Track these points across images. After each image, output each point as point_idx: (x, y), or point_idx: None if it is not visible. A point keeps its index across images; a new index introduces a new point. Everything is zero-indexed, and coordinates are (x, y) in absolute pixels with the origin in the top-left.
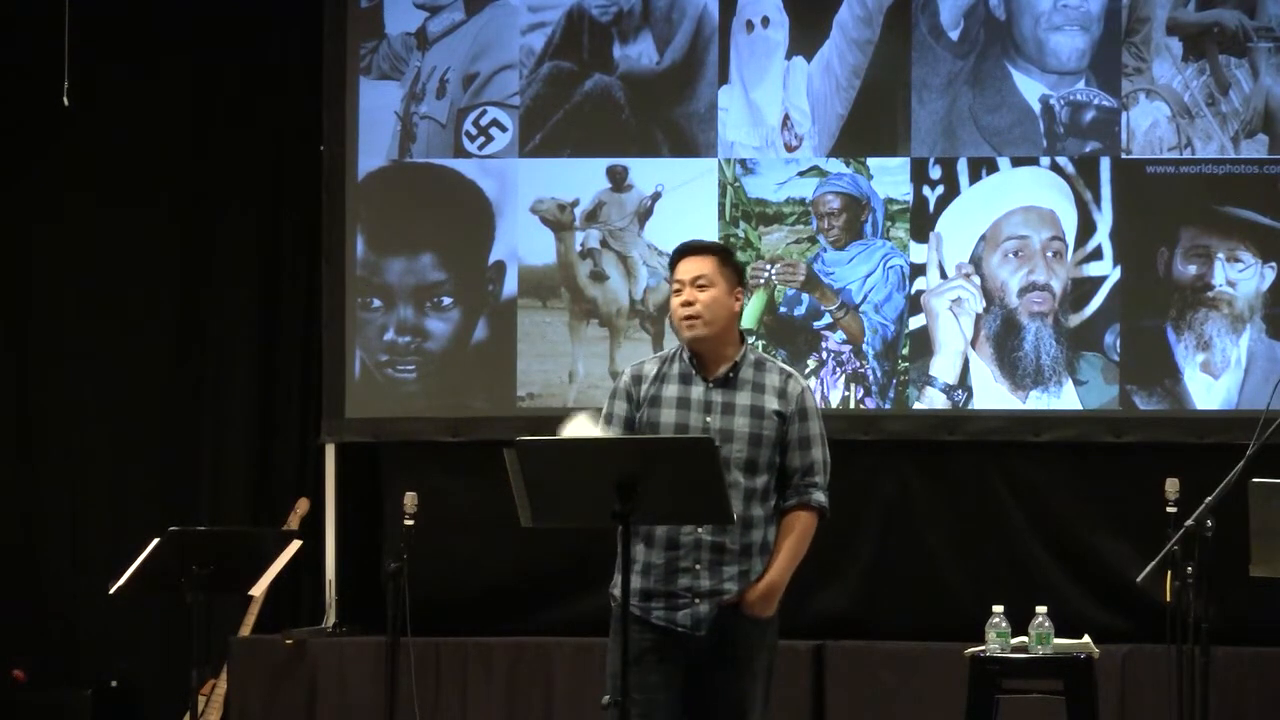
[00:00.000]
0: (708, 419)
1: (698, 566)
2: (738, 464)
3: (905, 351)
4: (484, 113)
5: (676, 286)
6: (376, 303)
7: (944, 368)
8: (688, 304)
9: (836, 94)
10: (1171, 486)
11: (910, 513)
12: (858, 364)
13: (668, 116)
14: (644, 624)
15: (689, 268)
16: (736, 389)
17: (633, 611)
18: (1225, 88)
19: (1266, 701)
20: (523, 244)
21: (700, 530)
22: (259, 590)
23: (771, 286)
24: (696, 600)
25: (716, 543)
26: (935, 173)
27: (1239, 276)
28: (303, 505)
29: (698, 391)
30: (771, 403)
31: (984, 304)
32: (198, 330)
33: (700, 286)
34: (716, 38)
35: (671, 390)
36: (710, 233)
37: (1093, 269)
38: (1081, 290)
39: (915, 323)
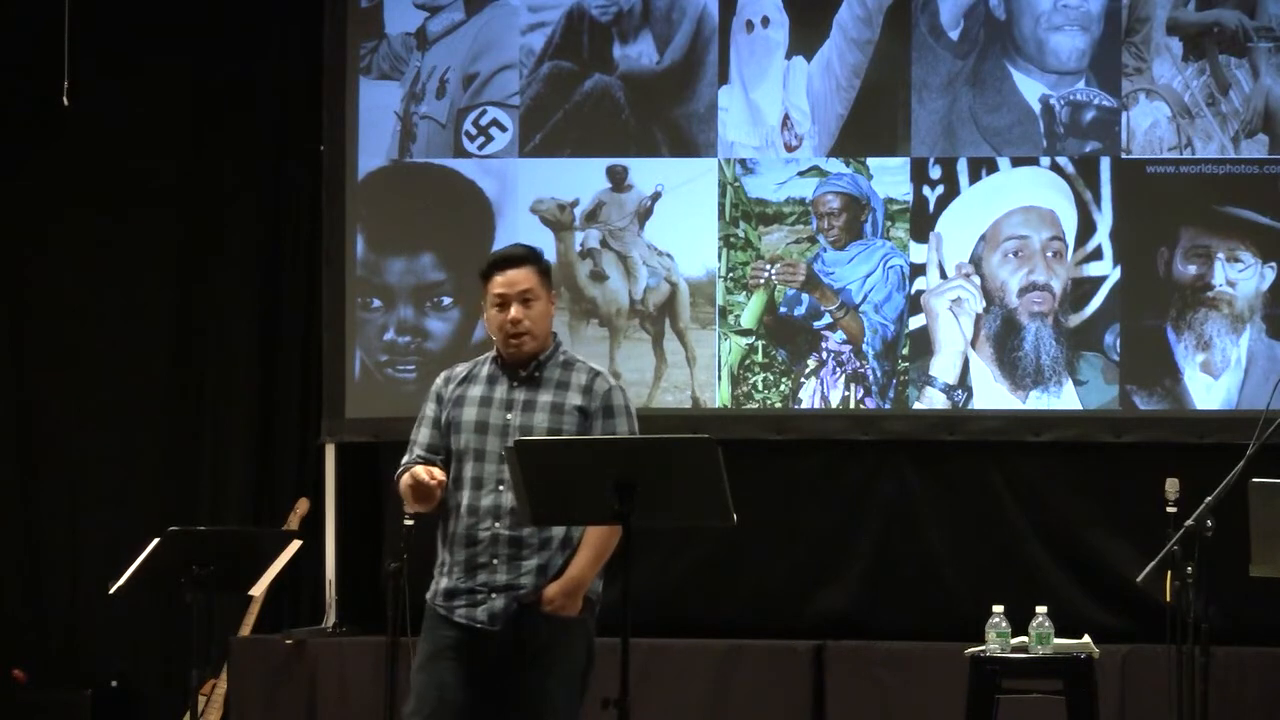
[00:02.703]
0: (508, 416)
1: (495, 561)
2: None
3: (905, 351)
4: (484, 113)
5: (499, 300)
6: (376, 303)
7: (944, 368)
8: (517, 321)
9: (836, 94)
10: (1171, 486)
11: (910, 513)
12: (858, 364)
13: (668, 116)
14: (448, 623)
15: (515, 281)
16: (540, 387)
17: (437, 610)
18: (1225, 88)
19: (1266, 701)
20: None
21: (498, 525)
22: (259, 590)
23: (771, 286)
24: (493, 595)
25: (514, 537)
26: (935, 173)
27: (1239, 276)
28: (303, 505)
29: (501, 390)
30: (574, 399)
31: (984, 304)
32: (198, 330)
33: (527, 301)
34: (716, 38)
35: (476, 390)
36: (711, 232)
37: (1093, 269)
38: (1081, 290)
39: (915, 323)
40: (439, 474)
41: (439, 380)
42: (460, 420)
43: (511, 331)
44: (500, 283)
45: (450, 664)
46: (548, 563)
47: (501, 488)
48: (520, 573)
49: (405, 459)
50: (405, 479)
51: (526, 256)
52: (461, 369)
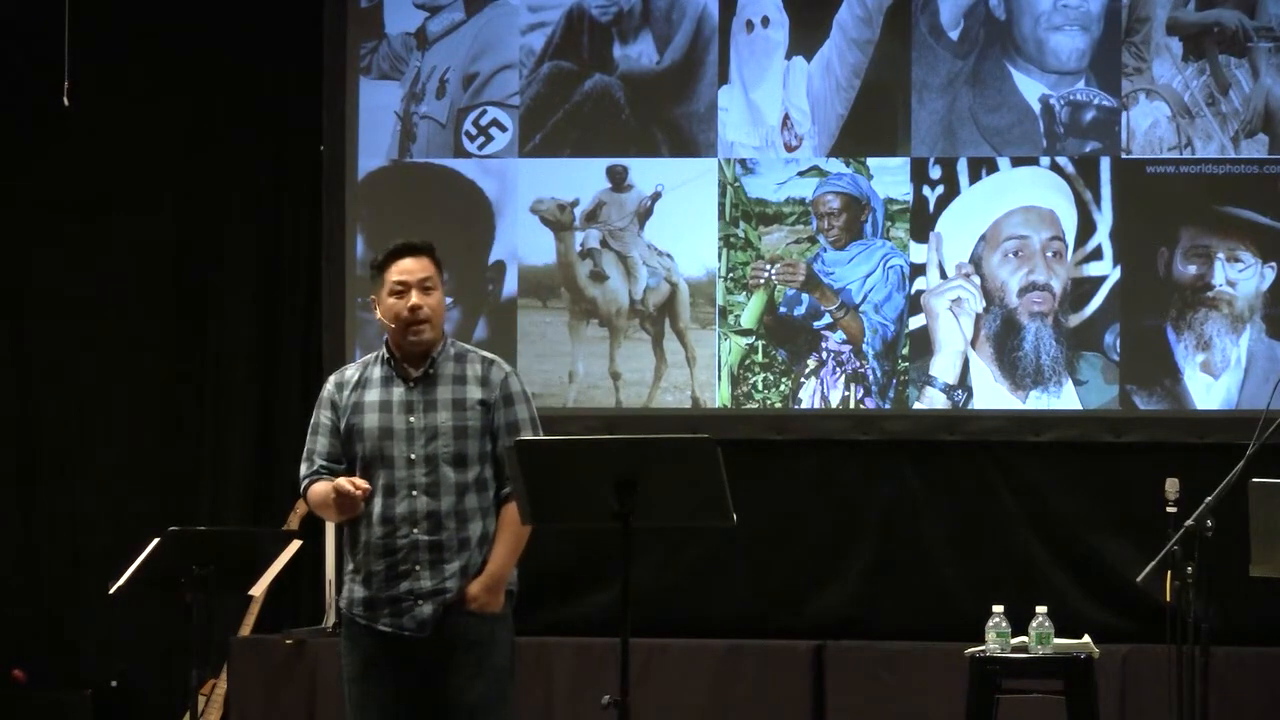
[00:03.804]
0: (410, 419)
1: (418, 568)
2: (445, 459)
3: (905, 351)
4: (484, 112)
5: (400, 288)
6: None
7: (944, 368)
8: (417, 308)
9: (836, 94)
10: (1171, 486)
11: (910, 513)
12: (858, 364)
13: (668, 116)
14: (371, 632)
15: (414, 269)
16: (437, 384)
17: (358, 621)
18: (1225, 88)
19: (1266, 701)
20: (523, 244)
21: (416, 531)
22: (259, 590)
23: (771, 286)
24: (420, 602)
25: (434, 541)
26: (935, 173)
27: (1239, 276)
28: (302, 505)
29: (398, 393)
30: (474, 392)
31: (984, 304)
32: (198, 331)
33: (427, 289)
34: (716, 38)
35: (373, 395)
36: (711, 233)
37: (1093, 269)
38: (1081, 290)
39: (915, 323)
40: (363, 483)
41: (329, 386)
42: (362, 427)
43: (411, 319)
44: (399, 270)
45: (384, 674)
46: (469, 563)
47: (415, 493)
48: (444, 577)
49: (305, 469)
50: (323, 489)
51: (425, 247)
52: (352, 372)
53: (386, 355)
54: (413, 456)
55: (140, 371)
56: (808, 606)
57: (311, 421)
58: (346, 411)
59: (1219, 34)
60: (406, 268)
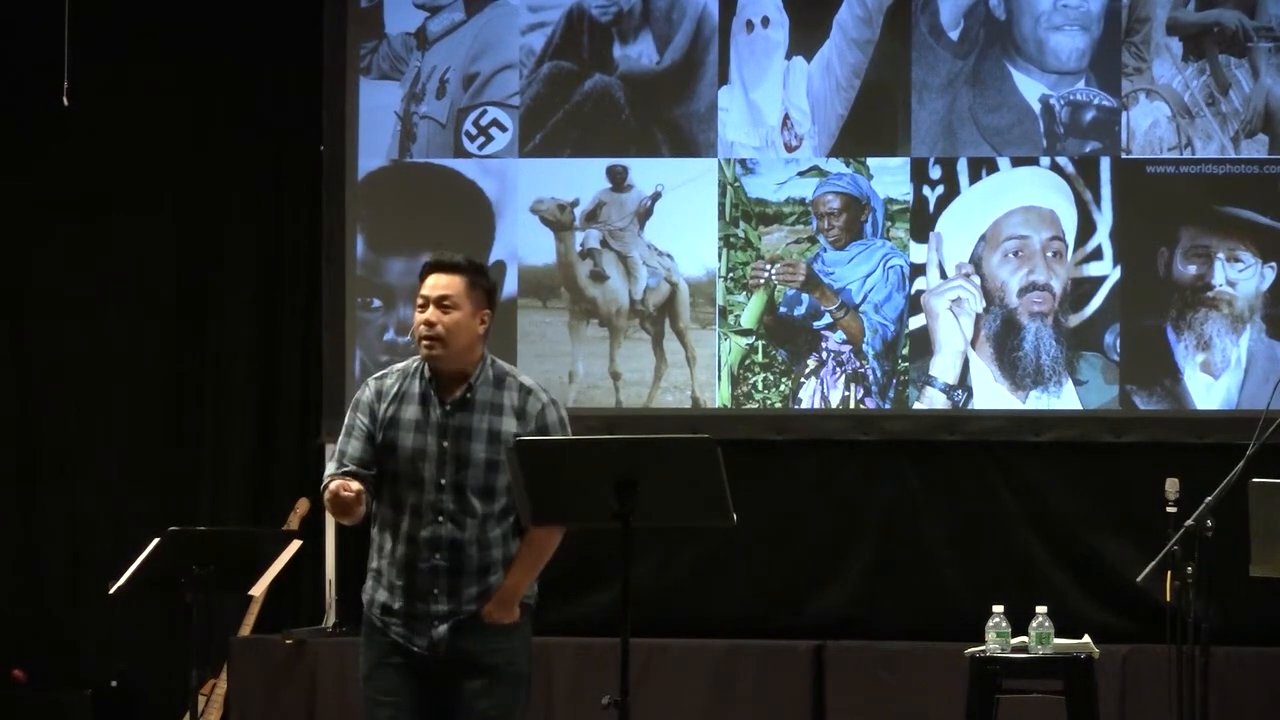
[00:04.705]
0: (444, 443)
1: (435, 591)
2: (474, 490)
3: (905, 351)
4: (484, 112)
5: (421, 302)
6: (376, 303)
7: (944, 368)
8: (429, 324)
9: (836, 94)
10: (1171, 486)
11: (910, 513)
12: (858, 364)
13: (668, 116)
14: (387, 635)
15: (437, 285)
16: (473, 412)
17: (375, 622)
18: (1225, 88)
19: (1266, 701)
20: (523, 244)
21: (437, 557)
22: (259, 590)
23: (771, 286)
24: (435, 623)
25: (454, 568)
26: (935, 173)
27: (1239, 276)
28: (303, 505)
29: (435, 415)
30: (509, 425)
31: (984, 304)
32: (198, 331)
33: (445, 307)
34: (716, 38)
35: (410, 412)
36: (711, 232)
37: (1093, 269)
38: (1081, 290)
39: (915, 323)
40: (355, 485)
41: (368, 393)
42: (396, 444)
43: (423, 334)
44: (426, 284)
45: (397, 673)
46: (489, 586)
47: (440, 519)
48: (462, 601)
49: (332, 468)
50: (328, 495)
51: (459, 265)
52: (391, 382)
53: (428, 373)
54: (442, 481)
55: (140, 371)
56: (808, 606)
57: (346, 422)
58: (383, 424)
59: (1219, 34)
60: (430, 283)
